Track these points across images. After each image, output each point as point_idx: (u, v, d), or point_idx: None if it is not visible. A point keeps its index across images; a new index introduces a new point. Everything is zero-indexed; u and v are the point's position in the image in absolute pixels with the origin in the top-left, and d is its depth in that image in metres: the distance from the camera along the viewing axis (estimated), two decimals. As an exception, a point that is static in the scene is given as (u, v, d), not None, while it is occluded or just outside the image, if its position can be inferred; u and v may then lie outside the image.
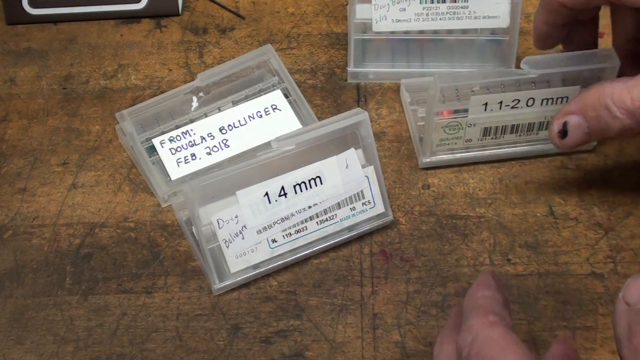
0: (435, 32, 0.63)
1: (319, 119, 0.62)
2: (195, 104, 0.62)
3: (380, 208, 0.55)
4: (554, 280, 0.54)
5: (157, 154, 0.60)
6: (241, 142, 0.60)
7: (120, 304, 0.54)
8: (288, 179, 0.52)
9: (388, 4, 0.61)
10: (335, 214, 0.54)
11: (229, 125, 0.61)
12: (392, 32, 0.62)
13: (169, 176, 0.59)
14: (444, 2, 0.61)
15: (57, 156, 0.62)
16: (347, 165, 0.53)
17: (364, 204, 0.54)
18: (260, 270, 0.54)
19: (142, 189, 0.60)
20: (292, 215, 0.53)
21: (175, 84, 0.65)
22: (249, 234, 0.52)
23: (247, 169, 0.51)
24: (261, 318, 0.53)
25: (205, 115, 0.62)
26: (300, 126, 0.61)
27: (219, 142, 0.60)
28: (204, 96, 0.62)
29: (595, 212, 0.57)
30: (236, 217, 0.52)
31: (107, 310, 0.54)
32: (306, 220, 0.53)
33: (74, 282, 0.55)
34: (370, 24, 0.62)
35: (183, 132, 0.61)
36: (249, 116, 0.62)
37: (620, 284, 0.53)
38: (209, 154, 0.60)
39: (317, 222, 0.54)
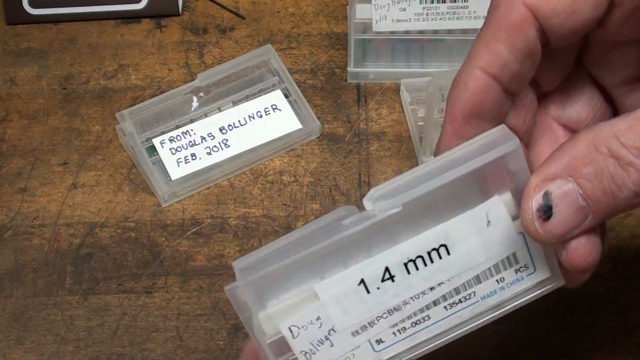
0: (435, 32, 0.63)
1: (319, 119, 0.62)
2: (195, 104, 0.62)
3: (544, 272, 0.38)
4: (554, 280, 0.54)
5: (157, 154, 0.60)
6: (241, 142, 0.60)
7: (121, 303, 0.54)
8: (394, 256, 0.35)
9: (388, 4, 0.61)
10: (474, 292, 0.37)
11: (229, 125, 0.61)
12: (392, 32, 0.62)
13: (169, 176, 0.59)
14: (444, 2, 0.61)
15: (57, 156, 0.62)
16: (488, 221, 0.36)
17: (517, 270, 0.38)
18: None
19: (142, 189, 0.60)
20: (406, 303, 0.36)
21: (175, 84, 0.65)
22: (340, 338, 0.36)
23: (324, 251, 0.35)
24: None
25: (205, 115, 0.62)
26: (300, 126, 0.61)
27: (219, 142, 0.60)
28: (204, 96, 0.62)
29: (595, 212, 0.57)
30: (318, 319, 0.36)
31: (107, 310, 0.54)
32: (428, 307, 0.37)
33: (74, 282, 0.55)
34: (370, 24, 0.62)
35: (183, 132, 0.61)
36: (249, 116, 0.62)
37: (620, 284, 0.53)
38: (209, 153, 0.60)
39: (445, 307, 0.37)
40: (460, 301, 0.37)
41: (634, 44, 0.38)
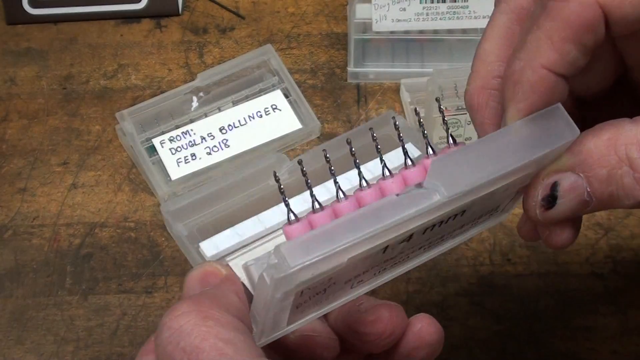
0: (435, 32, 0.63)
1: (319, 119, 0.62)
2: (195, 104, 0.62)
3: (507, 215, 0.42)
4: (554, 280, 0.53)
5: (157, 154, 0.60)
6: (241, 142, 0.60)
7: (120, 304, 0.54)
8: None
9: (388, 4, 0.61)
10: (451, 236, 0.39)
11: (229, 125, 0.61)
12: (392, 32, 0.62)
13: (169, 176, 0.59)
14: (444, 2, 0.61)
15: (57, 156, 0.62)
16: None
17: (492, 215, 0.40)
18: None
19: (142, 189, 0.60)
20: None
21: (175, 84, 0.65)
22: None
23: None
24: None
25: (205, 115, 0.62)
26: (300, 126, 0.61)
27: (219, 142, 0.60)
28: (204, 96, 0.62)
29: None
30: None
31: (107, 310, 0.54)
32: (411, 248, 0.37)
33: (74, 282, 0.55)
34: (370, 24, 0.62)
35: (183, 132, 0.61)
36: (249, 116, 0.62)
37: (620, 284, 0.53)
38: (209, 153, 0.60)
39: (422, 248, 0.38)
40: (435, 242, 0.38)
41: None
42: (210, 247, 0.40)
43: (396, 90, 0.64)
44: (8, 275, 0.56)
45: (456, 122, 0.57)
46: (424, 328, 0.39)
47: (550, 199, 0.34)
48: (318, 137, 0.62)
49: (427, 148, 0.35)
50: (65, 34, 0.69)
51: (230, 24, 0.69)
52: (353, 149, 0.34)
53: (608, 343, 0.51)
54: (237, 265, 0.37)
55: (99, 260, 0.56)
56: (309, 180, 0.33)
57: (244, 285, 0.36)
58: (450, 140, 0.35)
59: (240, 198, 0.43)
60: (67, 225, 0.58)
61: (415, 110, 0.38)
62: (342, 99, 0.64)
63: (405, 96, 0.63)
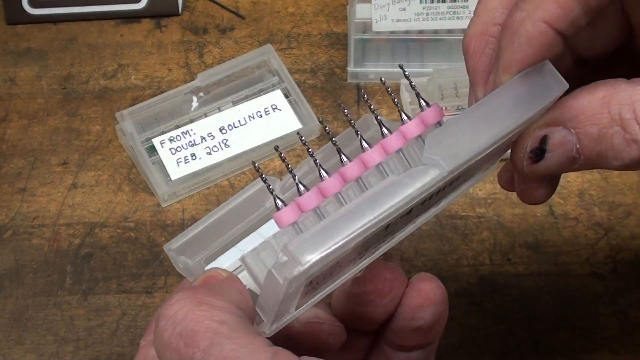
0: (435, 31, 0.63)
1: (319, 119, 0.62)
2: (195, 104, 0.62)
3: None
4: (554, 280, 0.53)
5: (157, 154, 0.60)
6: (241, 142, 0.60)
7: (120, 304, 0.54)
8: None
9: (388, 4, 0.61)
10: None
11: (229, 125, 0.61)
12: (392, 32, 0.62)
13: (169, 176, 0.59)
14: (444, 2, 0.61)
15: (57, 156, 0.62)
16: None
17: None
18: None
19: (142, 189, 0.60)
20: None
21: (175, 84, 0.65)
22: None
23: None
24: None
25: (205, 115, 0.62)
26: (300, 126, 0.61)
27: (219, 142, 0.60)
28: (204, 96, 0.62)
29: (595, 212, 0.57)
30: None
31: (107, 310, 0.54)
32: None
33: (74, 282, 0.55)
34: (370, 23, 0.62)
35: (183, 132, 0.61)
36: (249, 116, 0.62)
37: (620, 284, 0.53)
38: (209, 153, 0.60)
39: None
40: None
41: None
42: (216, 266, 0.40)
43: (396, 90, 0.64)
44: (8, 275, 0.56)
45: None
46: (425, 284, 0.38)
47: (539, 152, 0.34)
48: (318, 137, 0.62)
49: (400, 115, 0.35)
50: (65, 34, 0.69)
51: (230, 24, 0.69)
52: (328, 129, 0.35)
53: (608, 343, 0.51)
54: (243, 278, 0.37)
55: (99, 260, 0.56)
56: (289, 165, 0.34)
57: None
58: (423, 103, 0.35)
59: (241, 226, 0.43)
60: (67, 225, 0.58)
61: (381, 79, 0.38)
62: (342, 99, 0.64)
63: (405, 96, 0.62)
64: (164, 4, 0.69)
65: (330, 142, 0.35)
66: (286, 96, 0.63)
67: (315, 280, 0.34)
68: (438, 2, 0.61)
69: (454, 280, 0.54)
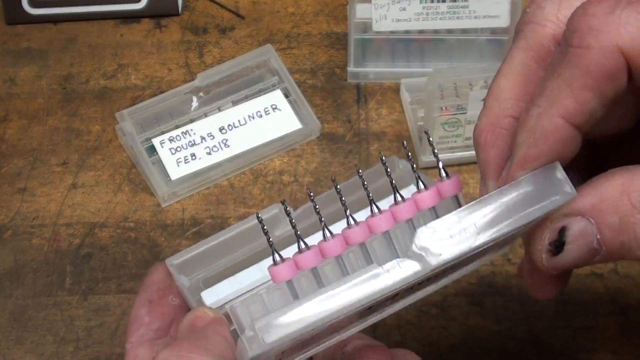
0: (435, 31, 0.63)
1: (319, 119, 0.62)
2: (195, 103, 0.62)
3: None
4: (554, 280, 0.53)
5: (157, 153, 0.60)
6: (241, 142, 0.60)
7: (120, 304, 0.54)
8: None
9: (388, 4, 0.61)
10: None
11: (229, 125, 0.61)
12: (392, 32, 0.62)
13: (169, 176, 0.59)
14: (444, 2, 0.61)
15: (57, 156, 0.62)
16: None
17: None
18: None
19: (142, 189, 0.60)
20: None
21: (175, 84, 0.65)
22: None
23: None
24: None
25: (205, 115, 0.62)
26: (300, 126, 0.61)
27: (219, 142, 0.60)
28: (204, 96, 0.62)
29: (596, 212, 0.57)
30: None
31: (107, 310, 0.54)
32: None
33: (74, 282, 0.55)
34: (370, 23, 0.62)
35: (183, 132, 0.61)
36: (249, 116, 0.62)
37: (621, 284, 0.53)
38: (209, 153, 0.60)
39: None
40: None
41: None
42: (211, 295, 0.41)
43: (396, 90, 0.64)
44: (8, 275, 0.56)
45: (456, 122, 0.57)
46: None
47: (558, 244, 0.32)
48: (318, 137, 0.62)
49: (417, 182, 0.34)
50: (65, 34, 0.69)
51: (230, 23, 0.69)
52: (344, 199, 0.34)
53: (608, 343, 0.51)
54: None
55: (99, 260, 0.56)
56: (293, 220, 0.34)
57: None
58: (443, 173, 0.34)
59: (242, 252, 0.43)
60: (67, 225, 0.58)
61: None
62: (342, 99, 0.64)
63: (405, 96, 0.63)
64: (164, 4, 0.69)
65: (337, 196, 0.34)
66: (286, 96, 0.62)
67: (289, 350, 0.34)
68: (438, 2, 0.61)
69: (454, 281, 0.54)
